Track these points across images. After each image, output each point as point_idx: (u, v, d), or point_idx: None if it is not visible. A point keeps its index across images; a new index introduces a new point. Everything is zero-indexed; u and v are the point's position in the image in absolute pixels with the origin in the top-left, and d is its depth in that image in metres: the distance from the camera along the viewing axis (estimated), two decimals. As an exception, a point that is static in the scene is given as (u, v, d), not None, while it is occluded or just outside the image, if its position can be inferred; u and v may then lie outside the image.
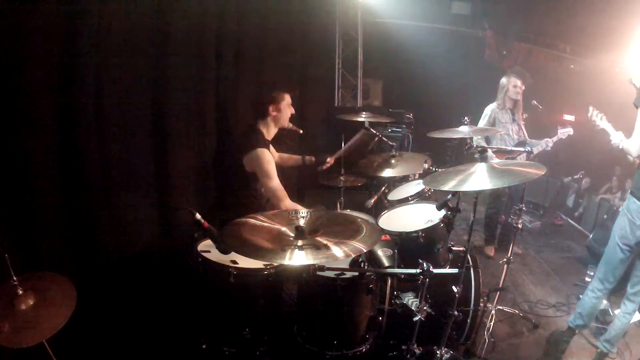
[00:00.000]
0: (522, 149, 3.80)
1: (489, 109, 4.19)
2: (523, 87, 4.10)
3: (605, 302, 3.30)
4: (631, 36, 4.26)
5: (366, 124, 3.50)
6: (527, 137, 4.20)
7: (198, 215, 1.95)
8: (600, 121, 2.99)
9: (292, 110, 2.94)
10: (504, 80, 4.15)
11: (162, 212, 3.14)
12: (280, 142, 3.14)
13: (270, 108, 2.83)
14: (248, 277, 2.13)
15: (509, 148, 4.04)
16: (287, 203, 2.63)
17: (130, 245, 2.90)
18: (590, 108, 3.04)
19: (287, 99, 2.89)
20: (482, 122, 4.16)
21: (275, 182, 2.66)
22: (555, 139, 4.10)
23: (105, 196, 2.76)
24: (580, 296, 3.58)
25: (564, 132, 4.09)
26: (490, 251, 4.44)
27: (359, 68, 6.26)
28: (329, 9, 5.48)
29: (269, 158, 2.70)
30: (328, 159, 3.30)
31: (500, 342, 3.04)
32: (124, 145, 2.85)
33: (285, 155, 3.24)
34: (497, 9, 6.39)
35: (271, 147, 2.93)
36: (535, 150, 4.05)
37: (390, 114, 4.98)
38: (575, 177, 5.26)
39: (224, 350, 2.17)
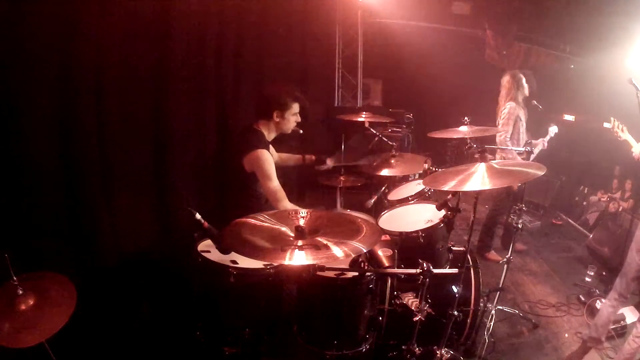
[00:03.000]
0: (522, 149, 3.79)
1: (511, 107, 4.05)
2: None
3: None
4: (631, 36, 4.26)
5: (366, 124, 3.51)
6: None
7: (198, 215, 1.95)
8: (622, 133, 3.01)
9: (298, 119, 2.87)
10: (517, 76, 4.07)
11: (162, 212, 3.14)
12: (280, 142, 3.13)
13: (275, 113, 2.77)
14: (248, 277, 2.13)
15: (512, 148, 4.01)
16: (286, 204, 2.62)
17: (130, 245, 2.90)
18: (612, 119, 3.04)
19: (294, 108, 2.81)
20: (507, 124, 4.02)
21: (275, 183, 2.65)
22: (547, 138, 4.16)
23: (105, 196, 2.76)
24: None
25: (552, 131, 4.20)
26: (495, 257, 4.35)
27: (359, 68, 6.27)
28: (329, 9, 5.48)
29: (269, 159, 2.68)
30: (328, 161, 3.28)
31: (500, 342, 3.04)
32: (124, 145, 2.85)
33: (284, 155, 3.24)
34: (497, 9, 6.38)
35: (271, 147, 2.91)
36: (536, 151, 4.04)
37: (390, 114, 4.98)
38: (603, 199, 5.26)
39: (224, 350, 2.17)
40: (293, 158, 3.26)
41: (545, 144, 4.15)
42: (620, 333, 3.04)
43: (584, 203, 5.61)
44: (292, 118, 2.82)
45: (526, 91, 4.07)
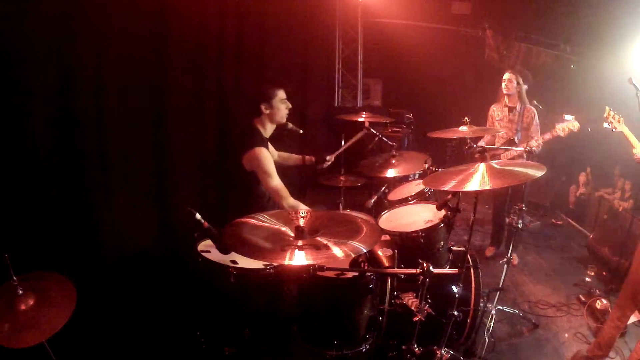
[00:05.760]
0: (506, 147, 3.78)
1: (490, 108, 4.20)
2: (516, 83, 3.96)
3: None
4: (631, 36, 4.26)
5: (366, 124, 3.50)
6: (518, 135, 4.05)
7: (198, 215, 1.95)
8: (618, 124, 2.84)
9: (289, 105, 2.86)
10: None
11: (162, 212, 3.14)
12: (280, 141, 3.13)
13: (263, 106, 2.77)
14: (248, 277, 2.13)
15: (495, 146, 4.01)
16: (290, 201, 2.62)
17: (130, 245, 2.91)
18: (607, 108, 2.88)
19: (279, 94, 2.80)
20: (487, 122, 4.17)
21: (276, 181, 2.65)
22: (547, 136, 3.66)
23: (106, 196, 2.76)
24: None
25: (565, 125, 3.54)
26: (490, 252, 4.44)
27: (359, 68, 6.26)
28: (329, 9, 5.48)
29: (267, 157, 2.68)
30: (328, 157, 3.27)
31: (500, 342, 3.04)
32: (124, 145, 2.86)
33: (284, 154, 3.23)
34: (497, 9, 6.38)
35: (270, 145, 2.91)
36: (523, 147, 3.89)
37: (390, 114, 4.97)
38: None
39: (224, 350, 2.17)
40: (293, 158, 3.25)
41: (543, 139, 3.69)
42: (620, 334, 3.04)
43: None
44: (281, 105, 2.82)
45: (504, 91, 4.00)
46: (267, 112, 2.78)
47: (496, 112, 4.13)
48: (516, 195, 3.96)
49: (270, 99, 2.77)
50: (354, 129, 3.87)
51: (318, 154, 3.28)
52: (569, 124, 3.54)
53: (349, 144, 3.40)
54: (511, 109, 4.07)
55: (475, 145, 3.27)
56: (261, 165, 2.63)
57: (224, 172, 3.45)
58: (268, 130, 2.86)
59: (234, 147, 2.85)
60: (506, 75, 4.02)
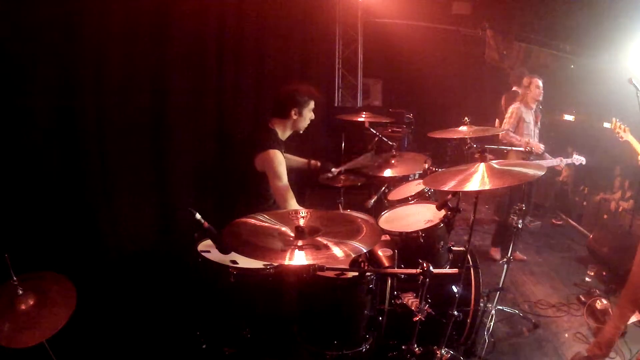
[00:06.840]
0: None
1: (515, 108, 4.05)
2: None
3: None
4: (631, 36, 4.26)
5: (366, 124, 3.50)
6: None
7: (198, 215, 1.95)
8: (624, 133, 2.99)
9: (313, 116, 2.84)
10: (525, 80, 4.05)
11: (162, 212, 3.14)
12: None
13: (293, 111, 2.75)
14: (248, 277, 2.13)
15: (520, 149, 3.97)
16: (294, 205, 2.59)
17: (131, 245, 2.91)
18: (614, 119, 3.03)
19: (311, 104, 2.79)
20: (509, 123, 4.04)
21: (284, 184, 2.62)
22: (569, 161, 4.03)
23: (106, 196, 2.76)
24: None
25: (578, 160, 4.06)
26: (497, 253, 4.41)
27: (359, 68, 6.26)
28: (329, 9, 5.48)
29: (281, 159, 2.64)
30: (333, 169, 3.24)
31: (500, 342, 3.04)
32: (124, 145, 2.86)
33: (288, 156, 3.20)
34: (497, 9, 6.39)
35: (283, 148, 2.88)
36: (546, 164, 3.95)
37: (390, 114, 4.97)
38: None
39: (224, 350, 2.17)
40: (298, 161, 3.21)
41: (562, 166, 4.05)
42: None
43: (584, 203, 5.61)
44: (308, 115, 2.80)
45: (535, 95, 3.98)
46: (295, 117, 2.74)
47: (525, 114, 4.02)
48: (518, 195, 3.95)
49: (302, 106, 2.74)
50: (354, 129, 3.87)
51: (323, 162, 3.24)
52: (576, 159, 4.08)
53: (358, 161, 3.36)
54: (536, 115, 4.05)
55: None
56: (273, 167, 2.60)
57: (227, 171, 3.44)
58: (286, 133, 2.82)
59: (247, 145, 2.81)
60: (539, 82, 3.96)
